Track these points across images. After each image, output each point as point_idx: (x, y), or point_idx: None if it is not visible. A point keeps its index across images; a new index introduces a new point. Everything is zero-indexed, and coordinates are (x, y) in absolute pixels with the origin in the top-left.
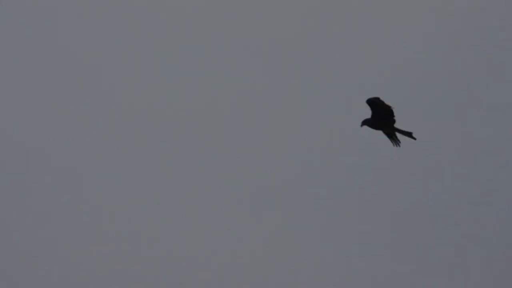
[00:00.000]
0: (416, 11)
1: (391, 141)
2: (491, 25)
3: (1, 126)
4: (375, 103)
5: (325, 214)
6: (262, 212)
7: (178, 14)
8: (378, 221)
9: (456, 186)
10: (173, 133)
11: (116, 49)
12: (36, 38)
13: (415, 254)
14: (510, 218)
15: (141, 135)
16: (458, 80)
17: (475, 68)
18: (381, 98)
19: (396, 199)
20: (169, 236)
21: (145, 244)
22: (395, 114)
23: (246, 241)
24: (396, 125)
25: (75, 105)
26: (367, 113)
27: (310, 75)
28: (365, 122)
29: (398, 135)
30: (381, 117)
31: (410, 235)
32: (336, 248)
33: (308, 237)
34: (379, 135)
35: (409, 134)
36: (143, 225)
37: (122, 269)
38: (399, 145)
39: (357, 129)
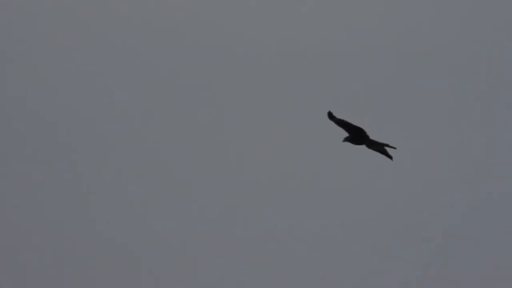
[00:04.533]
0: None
1: (384, 155)
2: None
3: None
4: (342, 124)
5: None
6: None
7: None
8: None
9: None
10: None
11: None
12: None
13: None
14: None
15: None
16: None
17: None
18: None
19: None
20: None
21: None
22: (366, 131)
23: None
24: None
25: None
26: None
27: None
28: (346, 139)
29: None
30: (355, 133)
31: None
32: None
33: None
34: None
35: (386, 146)
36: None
37: None
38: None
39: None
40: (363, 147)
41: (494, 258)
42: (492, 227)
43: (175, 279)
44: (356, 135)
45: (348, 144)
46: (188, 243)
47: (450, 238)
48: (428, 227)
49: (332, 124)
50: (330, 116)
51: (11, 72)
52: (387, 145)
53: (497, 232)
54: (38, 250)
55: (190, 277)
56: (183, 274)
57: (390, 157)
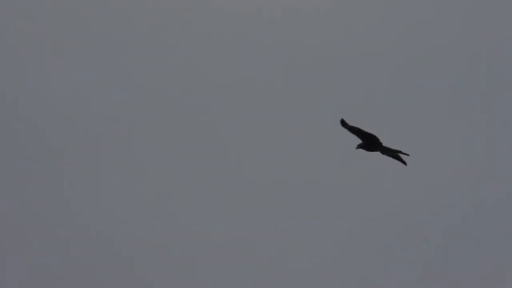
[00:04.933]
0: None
1: (398, 161)
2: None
3: None
4: (355, 131)
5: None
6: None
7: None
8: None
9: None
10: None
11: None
12: None
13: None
14: None
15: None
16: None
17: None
18: (360, 127)
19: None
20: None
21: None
22: (379, 138)
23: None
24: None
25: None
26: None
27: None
28: (359, 146)
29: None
30: (368, 140)
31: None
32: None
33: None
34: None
35: (399, 153)
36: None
37: None
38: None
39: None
40: (377, 153)
41: (494, 258)
42: (492, 227)
43: (175, 279)
44: (369, 142)
45: (363, 150)
46: (188, 243)
47: (450, 238)
48: (428, 227)
49: (336, 125)
50: (343, 123)
51: (11, 72)
52: (400, 152)
53: (497, 232)
54: (37, 251)
55: (190, 277)
56: (183, 274)
57: (404, 162)
